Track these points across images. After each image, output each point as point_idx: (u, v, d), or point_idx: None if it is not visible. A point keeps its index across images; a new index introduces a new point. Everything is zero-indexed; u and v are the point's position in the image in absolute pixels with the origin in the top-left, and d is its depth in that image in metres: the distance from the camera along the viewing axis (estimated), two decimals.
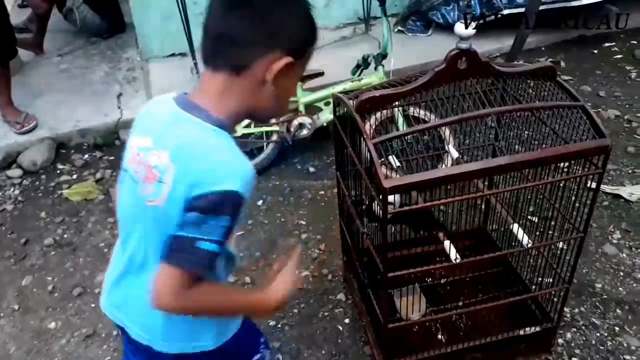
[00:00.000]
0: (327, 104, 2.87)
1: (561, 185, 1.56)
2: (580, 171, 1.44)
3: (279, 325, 1.96)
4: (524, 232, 1.55)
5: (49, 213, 2.60)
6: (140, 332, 1.10)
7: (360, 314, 1.88)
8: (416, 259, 1.73)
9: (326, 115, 2.84)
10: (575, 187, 1.48)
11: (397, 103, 1.78)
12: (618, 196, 2.44)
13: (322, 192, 2.61)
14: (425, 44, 3.77)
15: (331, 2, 3.97)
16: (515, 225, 1.58)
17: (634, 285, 2.04)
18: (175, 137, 0.94)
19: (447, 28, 3.72)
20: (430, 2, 3.75)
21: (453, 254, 1.44)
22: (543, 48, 3.70)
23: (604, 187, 2.48)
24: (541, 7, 3.36)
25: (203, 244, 0.91)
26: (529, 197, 1.89)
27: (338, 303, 2.04)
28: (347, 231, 1.89)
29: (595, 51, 3.66)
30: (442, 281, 1.96)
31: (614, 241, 2.23)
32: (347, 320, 1.97)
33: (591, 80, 3.35)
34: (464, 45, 1.36)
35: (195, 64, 3.38)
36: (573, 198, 1.54)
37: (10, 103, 3.09)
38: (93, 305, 2.12)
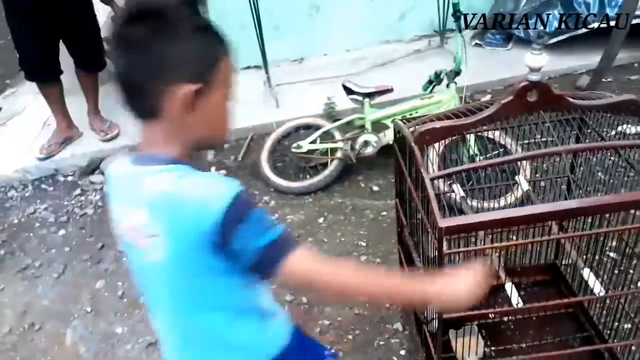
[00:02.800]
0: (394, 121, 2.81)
1: None
2: None
3: (333, 350, 1.94)
4: (596, 278, 1.42)
5: None
6: None
7: (417, 347, 1.81)
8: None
9: (392, 134, 2.78)
10: None
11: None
12: None
13: (385, 213, 2.56)
14: (504, 59, 3.60)
15: (406, 14, 3.90)
16: (587, 270, 1.45)
17: None
18: (144, 192, 0.92)
19: (529, 42, 3.53)
20: (511, 15, 3.57)
21: (515, 298, 1.35)
22: (636, 65, 3.41)
23: None
24: (636, 20, 3.12)
25: (274, 232, 0.89)
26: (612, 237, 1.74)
27: (395, 333, 1.98)
28: (406, 260, 1.83)
29: None
30: (506, 319, 1.84)
31: None
32: (402, 352, 1.90)
33: None
34: (534, 77, 1.27)
35: (268, 77, 3.44)
36: None
37: (97, 112, 3.31)
38: None
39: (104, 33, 4.24)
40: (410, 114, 2.68)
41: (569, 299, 1.66)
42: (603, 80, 3.26)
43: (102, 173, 3.09)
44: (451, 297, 0.96)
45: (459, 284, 0.97)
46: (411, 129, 1.43)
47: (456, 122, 1.34)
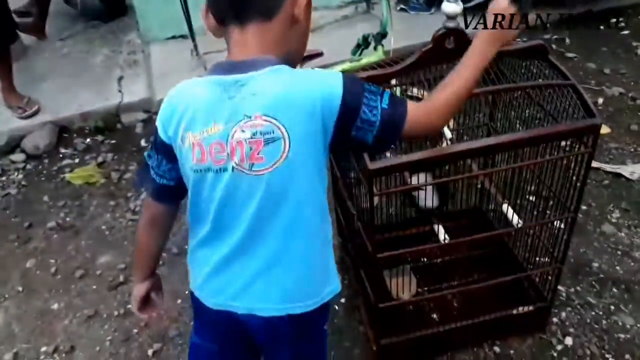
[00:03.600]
0: None
1: (560, 165, 1.55)
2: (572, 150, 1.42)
3: None
4: (514, 212, 1.55)
5: (52, 197, 2.64)
6: (277, 304, 1.06)
7: (355, 293, 1.90)
8: (409, 240, 1.73)
9: None
10: (572, 166, 1.46)
11: (393, 82, 1.78)
12: (619, 175, 2.41)
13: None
14: (427, 22, 3.68)
15: None
16: (505, 205, 1.58)
17: (632, 264, 2.03)
18: (256, 98, 0.91)
19: None
20: None
21: (442, 234, 1.44)
22: (548, 25, 3.63)
23: (605, 166, 2.45)
24: None
25: (387, 93, 0.98)
26: (528, 177, 1.88)
27: None
28: (342, 212, 1.90)
29: (602, 27, 3.58)
30: (437, 261, 1.97)
31: (613, 220, 2.21)
32: (342, 300, 1.98)
33: (596, 57, 3.29)
34: (451, 24, 1.34)
35: (195, 46, 3.37)
36: (567, 178, 1.53)
37: (12, 88, 3.11)
38: (95, 286, 2.16)
39: (11, 6, 3.96)
40: None
41: (491, 232, 1.78)
42: (518, 40, 3.45)
43: (24, 151, 2.93)
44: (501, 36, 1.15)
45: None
46: None
47: (381, 71, 1.40)
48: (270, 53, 0.95)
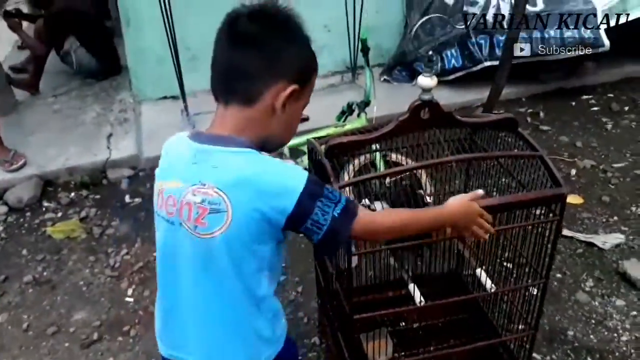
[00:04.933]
0: None
1: (531, 231, 1.61)
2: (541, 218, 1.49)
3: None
4: (487, 277, 1.58)
5: (31, 250, 2.62)
6: None
7: (333, 357, 1.88)
8: (386, 303, 1.75)
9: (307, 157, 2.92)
10: (544, 233, 1.52)
11: (376, 148, 1.87)
12: (592, 244, 2.48)
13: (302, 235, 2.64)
14: (409, 93, 3.80)
15: (321, 51, 4.10)
16: (479, 270, 1.62)
17: (605, 333, 2.05)
18: (217, 170, 0.98)
19: None
20: (414, 54, 3.90)
21: (417, 297, 1.47)
22: (524, 99, 3.83)
23: (578, 235, 2.53)
24: (519, 60, 3.53)
25: (342, 204, 1.02)
26: (505, 243, 1.93)
27: (312, 347, 2.04)
28: (322, 274, 1.91)
29: (574, 103, 3.79)
30: (415, 326, 1.97)
31: (587, 289, 2.25)
32: None
33: (568, 131, 3.46)
34: (426, 96, 1.44)
35: (186, 106, 3.48)
36: (538, 245, 1.58)
37: None
38: (67, 344, 2.11)
39: (9, 62, 4.09)
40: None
41: (466, 296, 1.81)
42: (495, 112, 3.63)
43: (6, 203, 2.93)
44: (466, 212, 1.22)
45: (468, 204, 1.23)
46: (322, 146, 1.55)
47: (361, 137, 1.47)
48: (247, 134, 1.03)
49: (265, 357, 1.12)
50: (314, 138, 2.37)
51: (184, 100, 3.47)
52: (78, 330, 2.17)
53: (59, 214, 2.88)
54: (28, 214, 2.88)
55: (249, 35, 1.00)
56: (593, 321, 2.11)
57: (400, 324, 1.99)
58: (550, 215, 1.45)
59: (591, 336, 2.04)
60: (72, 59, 4.03)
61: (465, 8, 3.64)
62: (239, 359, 1.10)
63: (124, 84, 4.11)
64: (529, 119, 3.59)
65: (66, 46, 4.02)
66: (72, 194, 3.03)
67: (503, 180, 1.77)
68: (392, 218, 1.14)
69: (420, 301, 1.47)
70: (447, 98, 3.68)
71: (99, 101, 3.91)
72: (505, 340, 1.75)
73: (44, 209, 2.92)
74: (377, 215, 1.15)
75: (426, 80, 1.41)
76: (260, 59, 1.00)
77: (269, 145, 1.09)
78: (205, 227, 0.99)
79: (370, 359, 1.71)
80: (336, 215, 1.00)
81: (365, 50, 2.99)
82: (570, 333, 2.06)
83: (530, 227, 1.54)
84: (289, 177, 0.99)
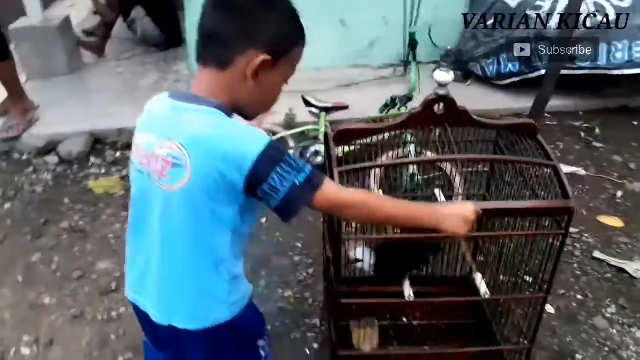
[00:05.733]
0: None
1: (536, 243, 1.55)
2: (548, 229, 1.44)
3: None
4: (482, 281, 1.55)
5: (72, 200, 2.81)
6: (157, 312, 1.15)
7: (325, 341, 1.91)
8: (383, 295, 1.75)
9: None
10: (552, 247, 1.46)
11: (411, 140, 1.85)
12: (623, 270, 2.35)
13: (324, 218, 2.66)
14: (461, 94, 3.78)
15: (376, 43, 4.09)
16: (478, 275, 1.58)
17: None
18: (182, 126, 1.03)
19: (486, 81, 3.75)
20: (470, 54, 3.79)
21: (407, 292, 1.46)
22: (581, 113, 3.64)
23: (610, 259, 2.40)
24: (580, 72, 3.36)
25: (305, 173, 1.02)
26: (508, 251, 1.87)
27: (312, 327, 2.07)
28: (333, 262, 1.93)
29: (635, 123, 3.56)
30: (415, 323, 1.96)
31: (607, 315, 2.14)
32: (316, 345, 1.99)
33: (624, 151, 3.26)
34: (442, 91, 1.42)
35: None
36: (545, 258, 1.52)
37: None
38: (88, 289, 2.26)
39: (82, 26, 4.34)
40: None
41: (456, 299, 1.78)
42: (548, 123, 3.49)
43: (58, 155, 3.14)
44: (457, 217, 1.20)
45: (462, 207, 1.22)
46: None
47: (370, 125, 1.48)
48: (220, 98, 1.06)
49: (214, 319, 1.13)
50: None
51: None
52: (100, 278, 2.32)
53: (103, 170, 3.05)
54: (75, 166, 3.08)
55: (230, 0, 1.04)
56: (606, 348, 2.00)
57: (402, 320, 1.98)
58: (557, 227, 1.40)
59: None
60: (138, 27, 4.23)
61: (528, 12, 3.49)
62: (185, 311, 1.12)
63: (183, 56, 4.27)
64: (582, 134, 3.42)
65: (133, 15, 4.22)
66: (118, 153, 3.20)
67: (526, 192, 1.71)
68: (363, 198, 1.11)
69: (410, 296, 1.47)
70: (502, 103, 3.57)
71: (158, 69, 4.09)
72: (500, 350, 1.71)
73: (90, 164, 3.11)
74: (346, 191, 1.12)
75: (442, 75, 1.39)
76: (235, 25, 1.03)
77: (245, 112, 1.11)
78: (167, 179, 1.04)
79: (356, 346, 1.72)
80: (297, 183, 1.01)
81: (413, 44, 2.96)
82: (579, 357, 1.97)
83: (538, 239, 1.50)
84: (249, 140, 1.00)
